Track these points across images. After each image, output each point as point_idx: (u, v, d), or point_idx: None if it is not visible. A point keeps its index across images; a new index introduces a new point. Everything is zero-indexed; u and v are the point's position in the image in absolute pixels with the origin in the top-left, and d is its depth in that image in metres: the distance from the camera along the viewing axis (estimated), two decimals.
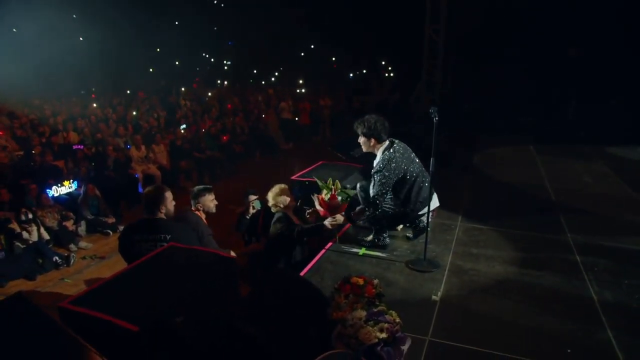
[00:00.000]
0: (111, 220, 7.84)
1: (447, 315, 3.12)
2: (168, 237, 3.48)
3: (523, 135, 9.78)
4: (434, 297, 3.33)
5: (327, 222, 3.99)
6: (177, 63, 29.91)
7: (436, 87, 12.98)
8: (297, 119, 15.02)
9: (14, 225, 6.46)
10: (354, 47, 21.81)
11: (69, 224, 7.20)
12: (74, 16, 26.52)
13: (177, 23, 29.74)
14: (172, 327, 2.46)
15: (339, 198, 4.17)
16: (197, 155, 10.53)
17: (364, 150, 4.20)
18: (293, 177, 5.39)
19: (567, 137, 9.69)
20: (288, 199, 4.34)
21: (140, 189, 9.31)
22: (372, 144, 4.04)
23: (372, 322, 2.42)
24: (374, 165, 4.03)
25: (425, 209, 3.93)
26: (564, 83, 12.00)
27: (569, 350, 2.73)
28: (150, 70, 27.52)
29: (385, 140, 4.02)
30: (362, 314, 2.48)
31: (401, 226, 4.61)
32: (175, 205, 3.80)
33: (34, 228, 6.63)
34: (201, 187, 4.23)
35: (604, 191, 6.19)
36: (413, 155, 4.11)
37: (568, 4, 11.41)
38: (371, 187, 4.04)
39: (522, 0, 12.08)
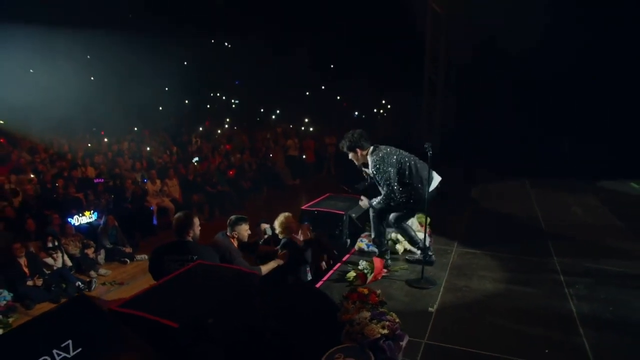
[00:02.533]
0: (128, 249, 8.31)
1: (442, 323, 3.54)
2: (195, 257, 3.93)
3: (519, 170, 10.24)
4: (430, 308, 3.75)
5: None
6: (186, 102, 30.94)
7: (436, 123, 13.57)
8: (303, 156, 15.59)
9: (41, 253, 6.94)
10: (358, 86, 22.71)
11: (90, 252, 7.66)
12: (88, 57, 27.76)
13: (185, 63, 30.94)
14: (205, 326, 2.90)
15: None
16: (209, 190, 11.05)
17: (356, 163, 4.62)
18: (303, 207, 5.88)
19: (561, 172, 10.17)
20: (293, 226, 4.80)
21: (155, 221, 9.81)
22: (359, 154, 4.48)
23: (375, 320, 2.85)
24: (370, 171, 4.45)
25: (430, 188, 4.38)
26: (558, 120, 12.58)
27: (546, 351, 3.14)
28: (160, 108, 28.48)
29: (368, 147, 4.45)
30: (367, 314, 2.92)
31: (402, 249, 5.05)
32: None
33: (59, 255, 7.09)
34: (239, 216, 4.67)
35: (592, 221, 6.64)
36: (396, 149, 4.49)
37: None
38: (382, 190, 4.42)
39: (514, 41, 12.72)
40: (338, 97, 25.61)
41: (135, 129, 20.24)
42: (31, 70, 25.88)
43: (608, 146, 11.07)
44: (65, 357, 2.39)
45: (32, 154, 12.58)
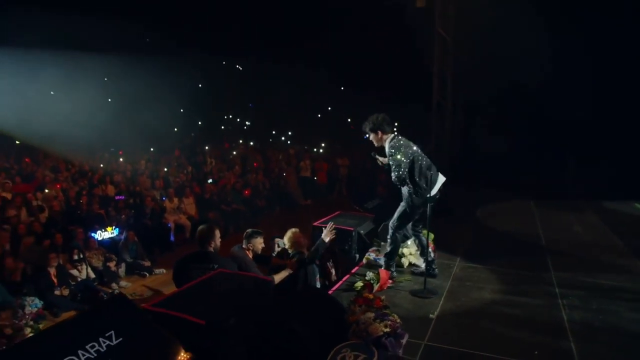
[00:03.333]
0: (147, 263, 8.71)
1: (441, 327, 3.87)
2: (216, 266, 4.32)
3: (525, 192, 10.51)
4: (431, 315, 4.07)
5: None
6: (199, 123, 31.71)
7: (444, 146, 13.89)
8: (315, 177, 15.99)
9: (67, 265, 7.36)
10: (368, 108, 23.21)
11: (112, 265, 8.07)
12: (105, 79, 28.74)
13: (200, 85, 31.80)
14: (228, 325, 3.26)
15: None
16: (224, 208, 11.47)
17: (375, 145, 4.94)
18: (314, 224, 6.24)
19: (566, 193, 10.44)
20: (301, 240, 5.17)
21: (172, 237, 10.21)
22: (379, 136, 4.80)
23: (379, 320, 3.19)
24: (387, 155, 4.79)
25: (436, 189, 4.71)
26: (564, 142, 12.88)
27: (536, 352, 3.45)
28: (175, 129, 29.23)
29: (390, 133, 4.80)
30: (372, 314, 3.25)
31: (407, 263, 5.38)
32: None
33: (84, 267, 7.51)
34: (254, 230, 5.08)
35: (591, 238, 6.93)
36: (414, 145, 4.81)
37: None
38: (392, 176, 4.74)
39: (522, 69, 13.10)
40: (349, 120, 26.08)
41: (152, 149, 20.83)
42: (52, 92, 26.91)
43: (613, 168, 11.34)
44: (109, 344, 2.77)
45: (54, 172, 13.14)
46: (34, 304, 6.21)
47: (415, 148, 4.75)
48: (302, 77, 24.47)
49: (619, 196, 9.84)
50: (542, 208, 9.11)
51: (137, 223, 9.43)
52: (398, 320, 3.29)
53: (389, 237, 5.01)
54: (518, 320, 4.02)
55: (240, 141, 22.03)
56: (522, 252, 6.13)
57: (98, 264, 7.98)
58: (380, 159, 5.10)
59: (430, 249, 5.13)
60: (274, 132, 26.67)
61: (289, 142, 24.99)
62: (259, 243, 5.01)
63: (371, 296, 3.68)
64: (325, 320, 3.44)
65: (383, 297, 3.77)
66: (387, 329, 3.13)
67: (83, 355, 2.63)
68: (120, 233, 8.96)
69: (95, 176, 12.73)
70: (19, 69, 19.19)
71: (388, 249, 5.04)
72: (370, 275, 4.69)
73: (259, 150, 18.54)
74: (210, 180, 12.86)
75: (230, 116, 32.15)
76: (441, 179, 4.83)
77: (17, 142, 19.60)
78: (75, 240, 8.17)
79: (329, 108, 27.36)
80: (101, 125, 25.35)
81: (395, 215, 4.89)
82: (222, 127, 30.18)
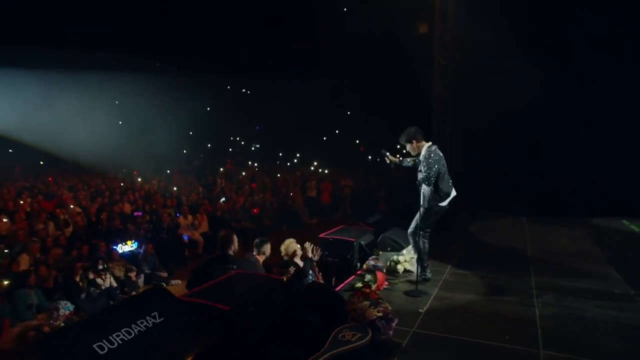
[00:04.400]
0: (164, 274, 9.36)
1: (429, 319, 4.49)
2: (235, 267, 4.98)
3: (519, 210, 11.07)
4: (420, 310, 4.70)
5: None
6: (209, 145, 32.62)
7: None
8: (320, 197, 16.67)
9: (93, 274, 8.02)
10: (374, 132, 24.05)
11: (132, 275, 8.72)
12: (116, 102, 29.84)
13: (208, 109, 32.80)
14: (248, 312, 3.90)
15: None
16: (234, 225, 12.12)
17: (412, 153, 5.73)
18: (321, 235, 6.91)
19: (559, 211, 11.01)
20: (295, 249, 5.78)
21: (184, 253, 10.87)
22: (414, 145, 5.60)
23: (373, 306, 3.83)
24: (421, 158, 5.50)
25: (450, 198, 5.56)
26: (559, 163, 13.53)
27: (507, 337, 4.06)
28: (184, 151, 30.13)
29: (424, 141, 5.60)
30: (367, 302, 3.89)
31: (402, 269, 6.01)
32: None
33: (107, 276, 8.16)
34: (262, 238, 5.84)
35: (574, 250, 7.50)
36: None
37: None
38: (420, 175, 5.41)
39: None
40: (357, 141, 26.84)
41: (169, 171, 21.67)
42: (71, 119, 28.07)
43: (605, 187, 11.95)
44: (154, 322, 3.43)
45: (72, 191, 13.92)
46: (66, 307, 6.87)
47: (444, 162, 5.57)
48: (308, 101, 25.35)
49: (609, 214, 10.41)
50: (534, 224, 9.70)
51: (155, 238, 10.11)
52: (389, 308, 3.93)
53: (415, 241, 5.72)
54: (496, 314, 4.64)
55: (250, 162, 22.80)
56: (508, 261, 6.73)
57: (120, 274, 8.64)
58: (390, 157, 5.93)
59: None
60: (280, 154, 27.45)
61: (293, 162, 25.79)
62: (268, 248, 5.71)
63: (368, 290, 4.32)
64: (328, 308, 4.08)
65: (378, 292, 4.41)
66: (380, 314, 3.76)
67: (135, 328, 3.29)
68: (139, 246, 9.64)
69: (114, 195, 13.49)
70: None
71: (416, 254, 5.73)
72: (368, 277, 5.32)
73: (267, 172, 19.29)
74: (222, 199, 13.57)
75: (238, 138, 33.02)
76: (453, 192, 5.59)
77: (42, 162, 20.50)
78: (98, 252, 8.85)
79: (337, 131, 28.18)
80: (113, 147, 26.46)
81: (419, 220, 5.59)
82: (230, 150, 31.03)
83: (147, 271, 9.22)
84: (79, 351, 2.92)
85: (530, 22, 13.54)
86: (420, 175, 5.43)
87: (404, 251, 6.29)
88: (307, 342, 3.59)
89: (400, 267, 6.02)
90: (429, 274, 5.72)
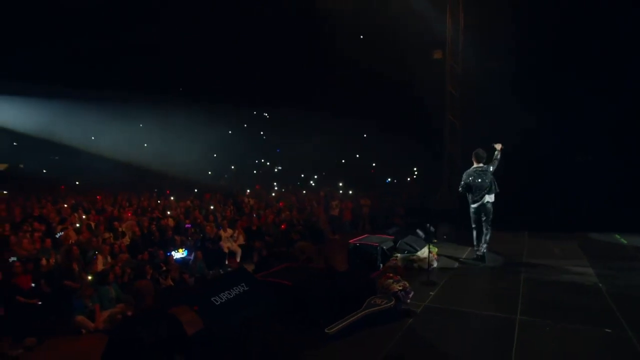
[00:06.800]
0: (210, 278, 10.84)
1: (437, 298, 5.93)
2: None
3: (522, 225, 12.34)
4: (431, 292, 6.13)
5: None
6: (232, 167, 34.41)
7: (456, 189, 15.91)
8: (342, 215, 18.11)
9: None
10: (388, 156, 25.63)
11: (187, 277, 10.23)
12: (140, 125, 31.94)
13: (230, 132, 34.70)
14: (305, 286, 5.39)
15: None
16: (267, 239, 13.63)
17: (475, 164, 8.23)
18: (350, 241, 8.39)
19: (558, 226, 12.28)
20: (307, 250, 7.31)
21: (226, 261, 12.37)
22: (474, 162, 8.25)
23: (395, 282, 5.30)
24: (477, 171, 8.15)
25: (477, 203, 8.17)
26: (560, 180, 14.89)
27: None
28: (209, 172, 31.93)
29: (478, 162, 8.15)
30: (391, 281, 5.36)
31: (418, 267, 7.45)
32: None
33: (168, 278, 9.69)
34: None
35: (563, 256, 8.84)
36: (483, 179, 7.98)
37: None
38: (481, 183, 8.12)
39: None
40: (373, 164, 28.28)
41: (195, 190, 23.34)
42: (92, 138, 30.30)
43: (602, 204, 13.26)
44: (243, 289, 4.93)
45: (118, 208, 15.61)
46: None
47: (478, 180, 8.14)
48: (327, 125, 26.91)
49: (605, 228, 11.68)
50: (533, 238, 11.03)
51: (201, 247, 11.63)
52: (407, 284, 5.40)
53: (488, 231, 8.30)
54: (492, 294, 6.08)
55: (275, 183, 24.39)
56: (506, 260, 8.17)
57: (175, 275, 10.15)
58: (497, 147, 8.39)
59: (434, 258, 7.22)
60: (302, 175, 29.02)
61: (313, 184, 27.29)
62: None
63: (391, 275, 5.79)
64: (364, 284, 5.58)
65: (399, 277, 5.87)
66: (400, 287, 5.24)
67: (230, 292, 4.81)
68: (189, 254, 11.17)
69: (155, 211, 15.14)
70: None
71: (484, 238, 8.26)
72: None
73: (293, 192, 20.87)
74: (255, 215, 15.13)
75: (262, 160, 34.77)
76: (481, 200, 8.24)
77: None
78: (157, 258, 10.39)
79: (357, 155, 29.76)
80: (140, 168, 28.51)
81: (489, 218, 8.19)
82: (255, 172, 32.73)
83: (196, 275, 10.71)
84: (203, 300, 4.45)
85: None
86: (481, 184, 8.10)
87: (418, 253, 7.75)
88: (349, 305, 5.06)
89: (415, 265, 7.47)
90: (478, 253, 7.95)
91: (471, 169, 8.30)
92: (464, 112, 15.84)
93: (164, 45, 23.00)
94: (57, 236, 11.10)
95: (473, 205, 8.27)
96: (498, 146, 8.35)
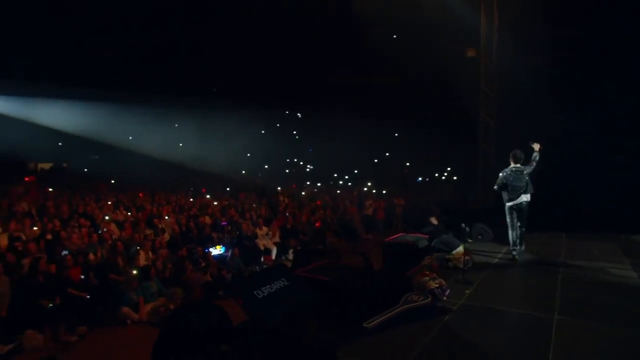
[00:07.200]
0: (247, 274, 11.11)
1: (474, 296, 5.98)
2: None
3: (560, 226, 12.14)
4: (466, 291, 6.18)
5: None
6: (266, 167, 34.85)
7: (491, 188, 15.77)
8: (375, 214, 18.19)
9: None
10: (421, 154, 25.53)
11: (224, 273, 10.53)
12: (176, 125, 32.75)
13: (263, 132, 35.14)
14: (343, 282, 5.54)
15: None
16: (302, 238, 13.85)
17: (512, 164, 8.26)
18: (385, 240, 8.50)
19: (597, 227, 12.01)
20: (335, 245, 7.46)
21: (262, 259, 12.64)
22: (511, 162, 8.31)
23: (432, 280, 5.38)
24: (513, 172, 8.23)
25: (513, 202, 8.28)
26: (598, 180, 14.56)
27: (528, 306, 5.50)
28: (243, 172, 32.46)
29: (514, 162, 8.23)
30: (427, 278, 5.45)
31: (453, 265, 7.50)
32: None
33: (207, 273, 10.00)
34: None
35: (602, 258, 8.70)
36: (520, 179, 8.07)
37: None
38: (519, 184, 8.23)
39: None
40: (407, 164, 28.18)
41: (228, 189, 23.78)
42: (130, 137, 31.29)
43: None
44: (283, 284, 5.12)
45: (157, 206, 16.10)
46: None
47: (514, 180, 8.26)
48: (360, 125, 26.96)
49: None
50: (571, 238, 10.86)
51: (238, 244, 11.93)
52: (444, 282, 5.48)
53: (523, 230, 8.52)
54: (527, 293, 6.10)
55: (308, 183, 24.63)
56: (543, 260, 8.15)
57: (213, 271, 10.46)
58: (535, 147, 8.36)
59: (469, 257, 7.27)
60: (335, 175, 29.15)
61: (345, 183, 27.43)
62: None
63: (427, 272, 5.87)
64: (400, 281, 5.69)
65: (434, 274, 5.95)
66: (437, 285, 5.33)
67: (274, 286, 5.00)
68: (226, 250, 11.48)
69: (192, 209, 15.56)
70: None
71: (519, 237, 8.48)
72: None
73: (326, 191, 21.06)
74: (289, 214, 15.38)
75: (295, 160, 35.10)
76: (517, 200, 8.36)
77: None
78: (195, 254, 10.73)
79: (387, 154, 29.73)
80: (177, 167, 29.25)
81: (524, 217, 8.44)
82: (287, 171, 33.07)
83: (234, 271, 11.00)
84: (247, 293, 4.65)
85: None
86: (519, 185, 8.23)
87: (453, 252, 7.79)
88: (385, 301, 5.19)
89: (450, 264, 7.53)
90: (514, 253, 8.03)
91: (508, 168, 8.33)
92: (498, 111, 15.69)
93: (199, 48, 23.53)
94: (100, 232, 11.58)
95: (509, 204, 8.36)
96: (536, 146, 8.28)
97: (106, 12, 18.71)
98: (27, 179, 25.25)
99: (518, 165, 8.26)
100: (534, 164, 8.26)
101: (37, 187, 19.87)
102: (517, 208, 8.30)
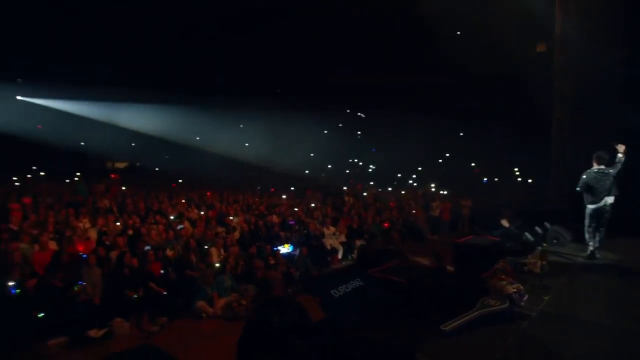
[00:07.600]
0: (316, 273, 11.28)
1: (552, 303, 5.78)
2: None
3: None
4: (544, 297, 5.98)
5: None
6: (329, 166, 35.12)
7: (564, 188, 15.07)
8: (441, 216, 17.90)
9: None
10: (488, 155, 24.79)
11: (293, 271, 10.75)
12: (241, 126, 33.65)
13: (325, 132, 35.37)
14: (416, 283, 5.54)
15: None
16: (366, 237, 13.87)
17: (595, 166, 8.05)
18: (456, 240, 8.38)
19: None
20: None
21: (327, 257, 12.77)
22: (593, 162, 8.06)
23: (509, 284, 5.27)
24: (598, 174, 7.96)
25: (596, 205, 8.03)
26: None
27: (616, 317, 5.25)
28: (307, 172, 32.87)
29: (598, 164, 7.95)
30: (504, 282, 5.34)
31: (528, 269, 7.28)
32: None
33: (277, 270, 10.25)
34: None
35: None
36: (604, 181, 7.80)
37: None
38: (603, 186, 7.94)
39: None
40: (473, 164, 27.50)
41: (292, 188, 24.19)
42: (197, 138, 32.44)
43: None
44: (358, 284, 5.19)
45: (225, 205, 16.65)
46: None
47: (598, 183, 7.99)
48: (423, 125, 26.55)
49: None
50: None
51: (306, 243, 12.14)
52: (521, 287, 5.34)
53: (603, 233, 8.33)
54: (612, 303, 5.82)
55: (371, 183, 24.59)
56: (627, 265, 7.77)
57: (283, 269, 10.71)
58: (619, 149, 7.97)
59: (544, 261, 7.02)
60: (399, 175, 28.90)
61: (408, 183, 27.11)
62: None
63: (503, 276, 5.74)
64: (475, 284, 5.61)
65: (510, 279, 5.81)
66: (514, 290, 5.20)
67: (350, 285, 5.08)
68: (294, 249, 11.72)
69: (260, 207, 15.97)
70: None
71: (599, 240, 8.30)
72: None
73: (392, 192, 20.96)
74: (353, 214, 15.47)
75: (356, 160, 35.15)
76: (601, 202, 8.09)
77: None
78: (264, 252, 11.03)
79: (447, 155, 29.14)
80: (241, 167, 30.02)
81: (606, 220, 8.17)
82: (347, 171, 33.20)
83: (302, 269, 11.21)
84: (325, 292, 4.77)
85: None
86: (603, 187, 7.97)
87: (529, 256, 7.56)
88: (460, 304, 5.13)
89: (525, 268, 7.29)
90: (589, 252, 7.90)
91: (591, 170, 8.05)
92: (573, 108, 14.95)
93: (263, 50, 24.09)
94: (177, 228, 12.15)
95: (591, 207, 8.11)
96: (621, 148, 7.91)
97: (178, 18, 19.61)
98: (112, 176, 27.01)
99: (602, 167, 7.96)
100: (619, 165, 7.91)
101: (118, 185, 21.11)
102: (601, 211, 8.05)
